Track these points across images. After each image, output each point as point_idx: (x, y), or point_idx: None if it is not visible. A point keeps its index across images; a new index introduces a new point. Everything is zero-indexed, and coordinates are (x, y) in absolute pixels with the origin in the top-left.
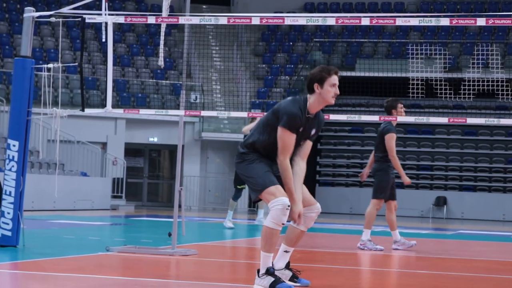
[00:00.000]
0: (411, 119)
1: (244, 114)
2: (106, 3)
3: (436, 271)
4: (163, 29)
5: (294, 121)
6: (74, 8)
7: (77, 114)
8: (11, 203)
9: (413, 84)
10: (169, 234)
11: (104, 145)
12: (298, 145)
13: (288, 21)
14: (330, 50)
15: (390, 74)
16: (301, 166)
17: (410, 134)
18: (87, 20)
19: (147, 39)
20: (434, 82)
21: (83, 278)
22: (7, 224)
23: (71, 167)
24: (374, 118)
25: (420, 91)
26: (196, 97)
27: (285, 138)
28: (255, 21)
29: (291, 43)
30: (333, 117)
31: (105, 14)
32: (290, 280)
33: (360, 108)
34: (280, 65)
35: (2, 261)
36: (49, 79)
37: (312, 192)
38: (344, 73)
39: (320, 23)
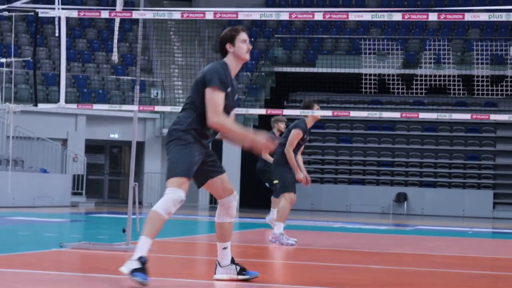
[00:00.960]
0: (363, 114)
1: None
2: None
3: (390, 266)
4: (117, 24)
5: (223, 79)
6: (28, 2)
7: (37, 110)
8: None
9: (366, 80)
10: (123, 230)
11: (64, 141)
12: (231, 110)
13: (241, 16)
14: (291, 46)
15: (349, 70)
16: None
17: (371, 130)
18: (40, 15)
19: (107, 34)
20: (387, 78)
21: (33, 274)
22: None
23: (30, 163)
24: (328, 113)
25: (373, 86)
26: (157, 93)
27: (216, 97)
28: (209, 15)
29: (252, 39)
30: (287, 112)
31: (58, 8)
32: (239, 273)
33: (322, 104)
34: None
35: None
36: (7, 75)
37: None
38: (305, 69)
39: (273, 18)
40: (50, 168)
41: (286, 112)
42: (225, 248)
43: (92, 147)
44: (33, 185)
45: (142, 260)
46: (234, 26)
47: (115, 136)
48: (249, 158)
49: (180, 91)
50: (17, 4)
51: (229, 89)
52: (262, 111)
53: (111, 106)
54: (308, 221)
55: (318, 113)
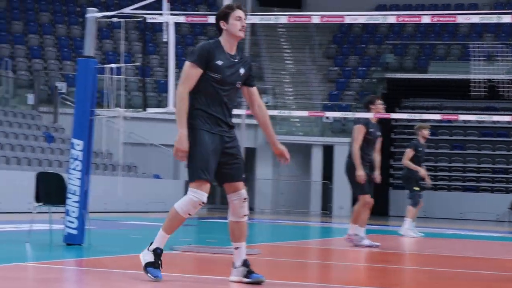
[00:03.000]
0: (472, 117)
1: (304, 113)
2: (168, 4)
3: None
4: None
5: (203, 53)
6: (136, 9)
7: (150, 117)
8: (75, 202)
9: (475, 85)
10: None
11: None
12: (232, 85)
13: (348, 20)
14: (402, 52)
15: (462, 76)
16: (260, 113)
17: (485, 137)
18: (148, 20)
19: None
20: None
21: (141, 274)
22: (72, 222)
23: (144, 169)
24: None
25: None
26: (268, 100)
27: (190, 71)
28: (315, 19)
29: (363, 46)
30: (398, 117)
31: (166, 14)
32: (246, 276)
33: (434, 110)
34: (352, 67)
35: (66, 258)
36: (119, 81)
37: (386, 195)
38: (417, 75)
39: (380, 21)
40: (163, 173)
41: (394, 116)
42: (236, 248)
43: None
44: (146, 190)
45: (158, 252)
46: (230, 4)
47: None
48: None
49: (291, 98)
50: (126, 10)
51: (219, 62)
52: (370, 115)
53: None
54: (421, 228)
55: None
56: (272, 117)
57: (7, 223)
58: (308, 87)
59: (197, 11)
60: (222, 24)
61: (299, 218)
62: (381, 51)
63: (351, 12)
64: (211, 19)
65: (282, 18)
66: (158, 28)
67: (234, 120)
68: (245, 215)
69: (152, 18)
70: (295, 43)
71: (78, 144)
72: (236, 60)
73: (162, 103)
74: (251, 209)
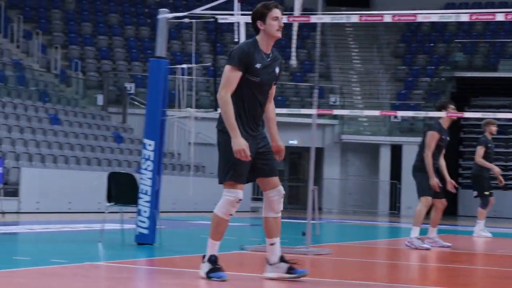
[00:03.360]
0: None
1: (376, 113)
2: (239, 4)
3: None
4: (295, 28)
5: (243, 57)
6: (206, 9)
7: (215, 117)
8: (147, 202)
9: None
10: (303, 234)
11: None
12: (268, 88)
13: (420, 18)
14: (472, 51)
15: None
16: (271, 108)
17: None
18: (220, 21)
19: (286, 41)
20: None
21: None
22: (144, 222)
23: (212, 169)
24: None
25: None
26: (335, 99)
27: (230, 74)
28: (387, 18)
29: (432, 44)
30: (468, 116)
31: (238, 14)
32: (288, 272)
33: (504, 109)
34: (421, 66)
35: (138, 258)
36: (189, 82)
37: (455, 195)
38: (487, 74)
39: (453, 19)
40: None
41: (464, 115)
42: (272, 244)
43: None
44: (214, 190)
45: (212, 259)
46: (266, 2)
47: (294, 142)
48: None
49: (359, 97)
50: (197, 11)
51: (258, 65)
52: (442, 114)
53: (290, 111)
54: (491, 228)
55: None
56: (340, 117)
57: (79, 223)
58: (376, 86)
59: None
60: (260, 24)
61: (367, 218)
62: (450, 49)
63: (423, 11)
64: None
65: (353, 17)
66: (225, 28)
67: (305, 120)
68: (281, 210)
69: (223, 18)
70: (363, 42)
71: (150, 144)
72: (271, 60)
73: None
74: (319, 208)
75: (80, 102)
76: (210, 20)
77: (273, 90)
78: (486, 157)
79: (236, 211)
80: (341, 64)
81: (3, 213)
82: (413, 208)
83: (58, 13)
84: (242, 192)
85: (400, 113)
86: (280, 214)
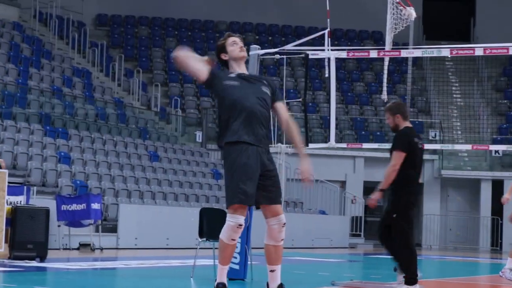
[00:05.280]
0: None
1: (467, 147)
2: (329, 39)
3: None
4: (386, 63)
5: (216, 72)
6: (297, 45)
7: (315, 153)
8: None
9: None
10: (395, 269)
11: (343, 183)
12: (253, 103)
13: (511, 51)
14: None
15: None
16: (291, 125)
17: None
18: (310, 56)
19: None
20: None
21: None
22: (235, 258)
23: (310, 205)
24: None
25: None
26: (435, 134)
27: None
28: (479, 51)
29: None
30: None
31: (328, 50)
32: None
33: None
34: None
35: None
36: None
37: None
38: None
39: None
40: (328, 209)
41: None
42: (272, 271)
43: (370, 188)
44: (312, 226)
45: (220, 286)
46: (222, 38)
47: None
48: None
49: (459, 132)
50: (288, 46)
51: (230, 82)
52: None
53: (380, 145)
54: None
55: None
56: (440, 152)
57: (175, 259)
58: (476, 120)
59: (363, 45)
60: (223, 56)
61: (467, 254)
62: None
63: None
64: (373, 54)
65: (444, 51)
66: (323, 64)
67: None
68: (282, 239)
69: (314, 53)
70: (463, 76)
71: None
72: (249, 78)
73: (327, 139)
74: (418, 245)
75: (179, 139)
76: (301, 55)
77: (282, 108)
78: None
79: (334, 247)
80: (441, 99)
81: (102, 249)
82: None
83: (159, 51)
84: (243, 218)
85: (492, 147)
86: (281, 243)
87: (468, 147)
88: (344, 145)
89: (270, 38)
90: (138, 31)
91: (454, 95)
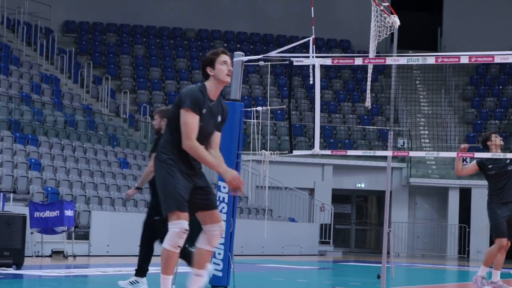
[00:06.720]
0: None
1: (453, 154)
2: (314, 46)
3: None
4: (370, 70)
5: (196, 100)
6: (282, 52)
7: (285, 161)
8: (221, 244)
9: None
10: (378, 276)
11: (311, 191)
12: (208, 135)
13: (498, 59)
14: None
15: None
16: (216, 155)
17: None
18: (295, 63)
19: (353, 85)
20: None
21: None
22: (218, 264)
23: (279, 212)
24: None
25: None
26: (403, 143)
27: (189, 119)
28: (464, 59)
29: (500, 87)
30: None
31: (313, 57)
32: None
33: None
34: (490, 109)
35: None
36: (258, 124)
37: None
38: None
39: None
40: (297, 217)
41: None
42: (197, 275)
43: (339, 196)
44: (281, 233)
45: None
46: (214, 50)
47: (361, 185)
48: None
49: (427, 140)
50: (272, 53)
51: (204, 111)
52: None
53: (365, 152)
54: None
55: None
56: (408, 160)
57: (152, 266)
58: (444, 129)
59: (331, 54)
60: (209, 70)
61: (435, 262)
62: None
63: (501, 52)
64: (358, 61)
65: (430, 59)
66: (306, 73)
67: (372, 164)
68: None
69: (298, 60)
70: (431, 85)
71: (225, 186)
72: (214, 107)
73: (296, 147)
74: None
75: (148, 146)
76: (285, 63)
77: (217, 139)
78: None
79: (304, 254)
80: (409, 107)
81: (75, 256)
82: (482, 252)
83: (127, 58)
84: (187, 222)
85: (465, 155)
86: (214, 249)
87: (454, 154)
88: (328, 152)
89: (238, 45)
90: (106, 38)
91: (422, 104)
